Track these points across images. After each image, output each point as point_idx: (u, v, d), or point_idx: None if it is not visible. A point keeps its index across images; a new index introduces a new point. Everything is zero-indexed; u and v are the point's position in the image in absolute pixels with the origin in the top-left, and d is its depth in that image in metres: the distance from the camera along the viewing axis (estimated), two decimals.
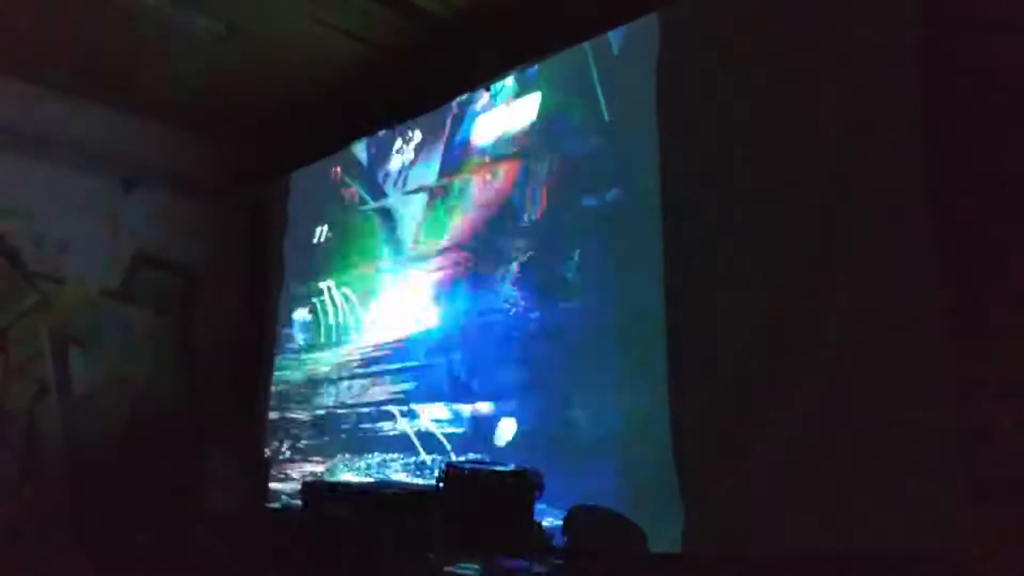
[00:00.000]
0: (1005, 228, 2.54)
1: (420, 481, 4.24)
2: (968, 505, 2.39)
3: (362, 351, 5.05)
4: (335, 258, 5.46)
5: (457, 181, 4.63)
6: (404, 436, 4.50)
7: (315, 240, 5.67)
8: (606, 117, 3.87)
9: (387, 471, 4.54)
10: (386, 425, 4.64)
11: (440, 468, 3.26)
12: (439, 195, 4.73)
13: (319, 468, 5.04)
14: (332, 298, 5.39)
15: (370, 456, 4.70)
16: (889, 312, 2.69)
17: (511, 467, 3.15)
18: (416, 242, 4.83)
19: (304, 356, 5.55)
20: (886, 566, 2.48)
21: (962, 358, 2.52)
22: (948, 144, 2.65)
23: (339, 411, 5.08)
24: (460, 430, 4.19)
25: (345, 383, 5.10)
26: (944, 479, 2.46)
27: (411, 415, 4.50)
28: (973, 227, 2.61)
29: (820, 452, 2.74)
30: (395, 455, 4.54)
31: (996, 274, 2.54)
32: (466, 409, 4.19)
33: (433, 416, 4.36)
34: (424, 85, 4.69)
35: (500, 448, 3.90)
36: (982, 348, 2.52)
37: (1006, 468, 2.40)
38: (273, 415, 5.62)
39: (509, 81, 4.39)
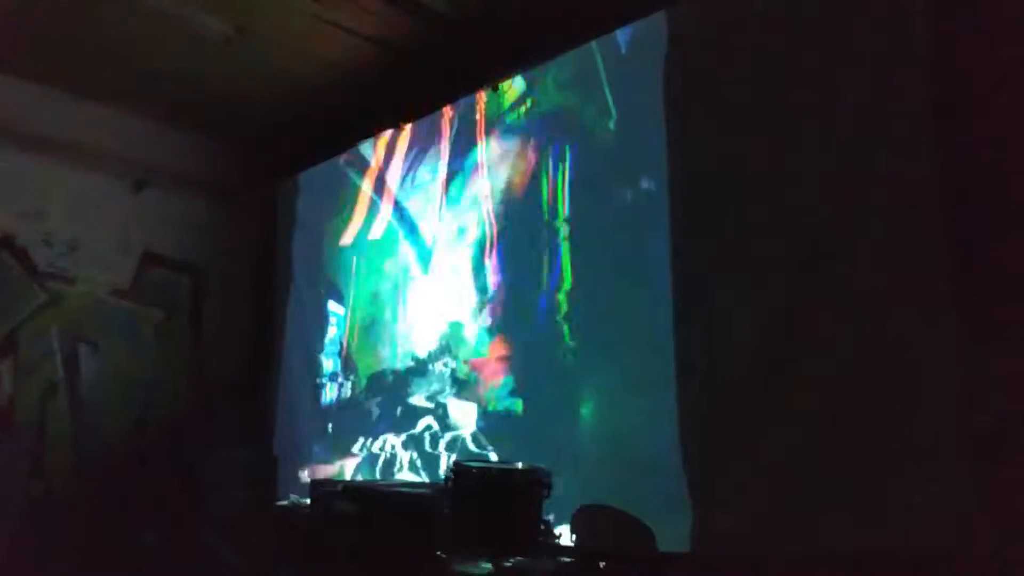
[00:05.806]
0: (1015, 228, 2.53)
1: (428, 480, 4.25)
2: (976, 505, 2.38)
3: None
4: (351, 259, 5.48)
5: (463, 180, 4.63)
6: (421, 432, 4.52)
7: (328, 241, 5.68)
8: (613, 116, 3.87)
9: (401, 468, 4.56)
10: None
11: (448, 467, 3.26)
12: (446, 194, 4.74)
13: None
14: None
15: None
16: (897, 313, 2.68)
17: (519, 466, 3.15)
18: (423, 243, 4.84)
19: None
20: (893, 566, 2.47)
21: (969, 358, 2.51)
22: (956, 144, 2.64)
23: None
24: (471, 428, 4.20)
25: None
26: (951, 480, 2.45)
27: (422, 412, 4.51)
28: (982, 227, 2.60)
29: (827, 452, 2.73)
30: (407, 450, 4.56)
31: (1005, 274, 2.53)
32: (476, 407, 4.20)
33: (449, 412, 4.36)
34: (431, 84, 4.69)
35: (508, 446, 3.90)
36: (989, 348, 2.51)
37: (1014, 468, 2.39)
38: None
39: (516, 80, 4.39)
